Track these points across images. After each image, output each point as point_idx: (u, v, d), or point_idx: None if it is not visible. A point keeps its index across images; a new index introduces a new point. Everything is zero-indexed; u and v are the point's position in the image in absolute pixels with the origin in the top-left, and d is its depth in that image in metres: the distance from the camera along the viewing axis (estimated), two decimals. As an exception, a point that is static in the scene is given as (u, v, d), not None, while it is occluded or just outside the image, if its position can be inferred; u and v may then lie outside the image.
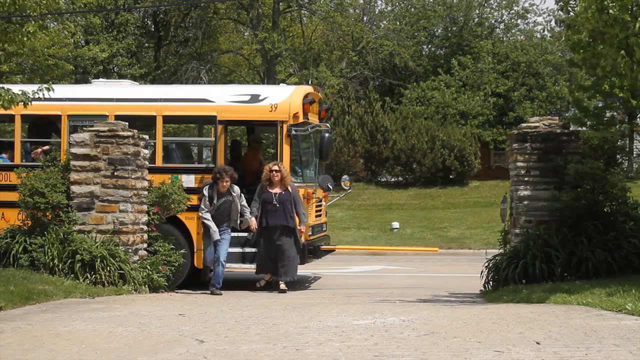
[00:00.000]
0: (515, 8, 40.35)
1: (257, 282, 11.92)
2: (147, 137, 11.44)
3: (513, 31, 40.81)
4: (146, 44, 37.10)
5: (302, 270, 13.24)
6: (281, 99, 12.52)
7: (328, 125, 13.27)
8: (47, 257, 10.05)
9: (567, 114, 34.85)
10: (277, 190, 11.70)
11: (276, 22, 35.34)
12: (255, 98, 12.64)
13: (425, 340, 5.93)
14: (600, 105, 31.48)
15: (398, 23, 39.70)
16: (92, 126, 11.04)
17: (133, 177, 10.69)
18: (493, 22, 40.84)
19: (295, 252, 11.68)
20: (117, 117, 12.38)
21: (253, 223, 11.66)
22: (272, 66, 34.63)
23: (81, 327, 6.87)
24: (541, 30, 40.57)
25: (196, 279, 12.11)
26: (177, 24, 36.50)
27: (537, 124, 10.48)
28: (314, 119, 13.00)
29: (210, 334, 6.39)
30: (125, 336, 6.37)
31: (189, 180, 12.19)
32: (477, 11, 40.10)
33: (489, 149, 36.61)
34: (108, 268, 10.07)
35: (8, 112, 11.89)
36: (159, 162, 12.35)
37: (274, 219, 11.61)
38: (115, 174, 10.55)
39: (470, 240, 20.58)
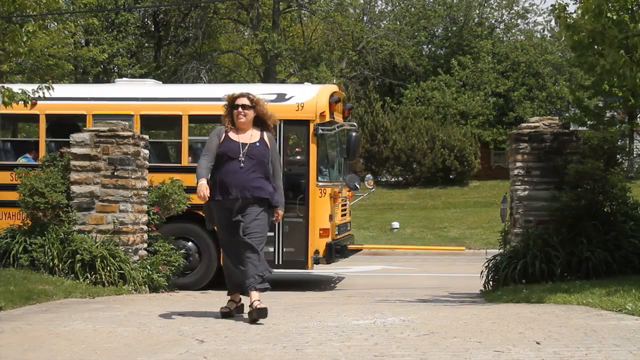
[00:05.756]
0: (515, 8, 40.41)
1: (221, 308, 7.50)
2: (147, 137, 11.44)
3: (513, 31, 40.86)
4: (146, 44, 37.12)
5: (321, 270, 13.13)
6: (308, 98, 12.52)
7: (355, 124, 13.29)
8: (47, 257, 10.05)
9: (567, 114, 34.88)
10: (245, 138, 7.34)
11: (276, 22, 35.35)
12: (281, 97, 12.59)
13: (425, 340, 5.93)
14: (600, 105, 31.51)
15: (398, 23, 39.73)
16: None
17: (133, 177, 10.69)
18: (493, 22, 40.87)
19: (263, 243, 7.34)
20: (142, 117, 12.45)
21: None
22: (272, 66, 34.64)
23: (81, 327, 6.87)
24: (541, 30, 40.67)
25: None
26: (177, 24, 36.53)
27: (537, 124, 10.48)
28: (338, 118, 13.03)
29: (210, 334, 6.39)
30: (125, 336, 6.38)
31: None
32: (477, 11, 40.12)
33: (489, 149, 36.64)
34: (108, 268, 10.06)
35: (33, 111, 12.00)
36: (184, 162, 12.37)
37: (239, 187, 7.18)
38: (115, 174, 10.55)
39: (470, 240, 20.58)
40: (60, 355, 5.62)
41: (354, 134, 12.64)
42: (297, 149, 13.42)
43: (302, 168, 12.51)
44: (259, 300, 7.03)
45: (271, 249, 12.19)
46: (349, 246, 13.11)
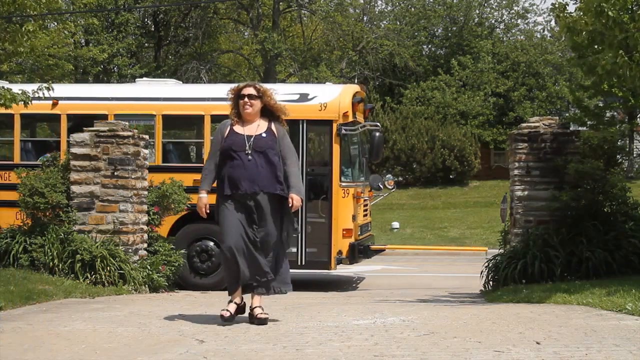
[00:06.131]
0: (515, 8, 40.40)
1: (221, 311, 6.94)
2: (147, 137, 11.44)
3: (513, 31, 40.85)
4: (146, 44, 37.12)
5: (345, 270, 13.09)
6: (330, 98, 12.51)
7: (378, 124, 13.27)
8: (47, 257, 10.05)
9: (567, 114, 34.87)
10: (251, 130, 7.03)
11: (276, 22, 35.35)
12: (304, 97, 12.59)
13: (425, 340, 5.93)
14: (600, 105, 31.50)
15: (398, 23, 39.72)
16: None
17: (133, 177, 10.69)
18: (493, 22, 40.87)
19: (285, 247, 7.15)
20: (165, 117, 12.47)
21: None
22: (272, 66, 34.65)
23: (81, 327, 6.87)
24: (541, 30, 40.63)
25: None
26: (177, 24, 36.52)
27: (537, 124, 10.48)
28: (359, 118, 13.05)
29: (210, 334, 6.39)
30: (125, 336, 6.38)
31: None
32: (477, 11, 40.12)
33: (489, 149, 36.64)
34: (108, 268, 10.07)
35: (54, 111, 12.00)
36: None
37: (248, 181, 6.85)
38: (115, 173, 10.55)
39: (470, 240, 20.58)
40: (60, 355, 5.62)
41: (377, 134, 12.61)
42: (319, 149, 13.37)
43: (325, 168, 12.48)
44: (260, 308, 6.83)
45: (294, 250, 12.21)
46: (372, 246, 13.12)
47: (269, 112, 7.13)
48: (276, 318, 7.15)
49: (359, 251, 12.47)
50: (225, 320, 6.80)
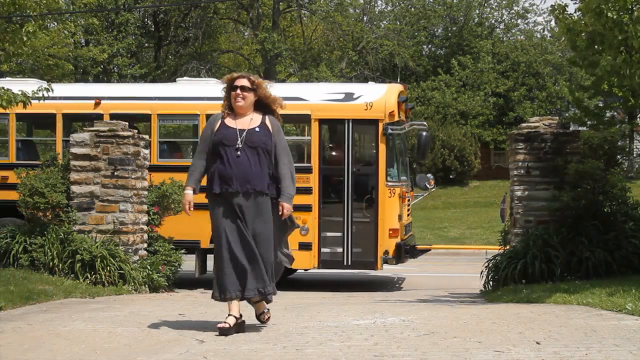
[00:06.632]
0: (515, 8, 40.41)
1: (219, 323, 6.39)
2: (147, 137, 11.44)
3: (513, 31, 40.86)
4: (146, 44, 37.10)
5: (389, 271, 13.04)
6: (376, 97, 12.50)
7: (425, 123, 13.26)
8: (47, 257, 10.05)
9: (567, 114, 34.87)
10: (244, 123, 6.53)
11: (276, 22, 35.34)
12: (349, 96, 12.58)
13: (425, 340, 5.93)
14: (600, 105, 31.50)
15: (398, 23, 39.72)
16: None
17: (133, 177, 10.69)
18: (493, 22, 40.87)
19: (274, 247, 6.57)
20: (209, 117, 12.43)
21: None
22: (272, 66, 34.63)
23: (81, 327, 6.87)
24: (541, 30, 40.66)
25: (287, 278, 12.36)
26: (177, 24, 36.51)
27: (537, 124, 10.49)
28: (402, 117, 12.98)
29: (210, 334, 6.38)
30: (125, 336, 6.38)
31: None
32: (477, 11, 40.13)
33: (489, 149, 36.64)
34: (108, 268, 10.07)
35: (97, 110, 12.03)
36: None
37: (239, 179, 6.37)
38: (115, 174, 10.55)
39: (470, 240, 20.58)
40: (60, 355, 5.62)
41: (424, 133, 12.60)
42: (365, 149, 13.34)
43: (370, 168, 12.48)
44: (263, 313, 6.67)
45: (340, 250, 12.18)
46: (418, 246, 13.09)
47: (264, 105, 6.60)
48: (276, 318, 7.15)
49: (405, 251, 12.45)
50: (222, 333, 6.24)
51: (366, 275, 14.54)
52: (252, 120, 6.52)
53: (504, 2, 40.11)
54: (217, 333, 6.26)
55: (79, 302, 8.78)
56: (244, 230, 6.33)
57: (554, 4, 9.45)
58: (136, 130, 11.16)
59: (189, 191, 6.50)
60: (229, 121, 6.52)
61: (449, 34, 39.86)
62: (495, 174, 34.24)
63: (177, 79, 15.74)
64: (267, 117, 6.57)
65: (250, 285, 6.31)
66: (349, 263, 12.31)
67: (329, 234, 12.26)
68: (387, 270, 15.77)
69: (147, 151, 11.29)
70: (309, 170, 12.40)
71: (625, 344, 5.58)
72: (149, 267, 10.68)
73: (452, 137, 31.41)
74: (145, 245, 11.08)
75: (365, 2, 39.47)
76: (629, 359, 5.12)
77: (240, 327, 6.41)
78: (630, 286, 8.10)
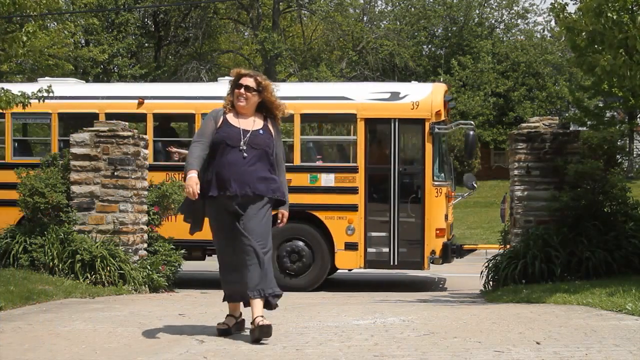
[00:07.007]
0: (515, 8, 40.44)
1: (218, 324, 6.36)
2: (147, 137, 11.44)
3: (513, 31, 40.88)
4: (146, 44, 37.12)
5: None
6: (422, 96, 12.46)
7: (472, 122, 13.24)
8: (47, 257, 10.05)
9: (567, 114, 34.89)
10: (247, 124, 6.24)
11: (276, 22, 35.36)
12: (395, 96, 12.54)
13: (425, 340, 5.93)
14: (600, 105, 31.52)
15: (398, 23, 39.74)
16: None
17: (133, 177, 10.69)
18: (493, 22, 40.89)
19: (268, 249, 6.16)
20: None
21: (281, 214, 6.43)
22: (272, 66, 34.64)
23: (81, 327, 6.87)
24: (541, 30, 40.68)
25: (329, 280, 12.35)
26: (177, 24, 36.53)
27: (537, 124, 10.49)
28: (446, 117, 12.99)
29: (210, 334, 6.38)
30: (125, 336, 6.37)
31: (328, 180, 12.24)
32: (477, 11, 40.15)
33: (489, 149, 36.65)
34: (108, 268, 10.06)
35: (140, 110, 12.07)
36: (297, 161, 12.38)
37: (239, 182, 6.05)
38: (116, 174, 10.55)
39: (470, 240, 20.56)
40: (60, 355, 5.62)
41: (471, 132, 12.56)
42: (411, 148, 13.28)
43: (417, 167, 12.42)
44: (262, 317, 5.95)
45: (386, 249, 12.18)
46: (465, 246, 13.07)
47: (267, 108, 6.31)
48: (276, 318, 7.15)
49: (452, 251, 12.41)
50: (221, 333, 6.16)
51: (405, 275, 14.43)
52: (255, 122, 6.23)
53: (504, 2, 40.13)
54: (217, 334, 6.25)
55: (79, 302, 8.78)
56: (243, 233, 6.00)
57: (553, 3, 9.44)
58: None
59: (192, 174, 5.94)
60: (232, 119, 6.20)
61: (449, 34, 39.87)
62: (495, 174, 34.24)
63: (218, 79, 15.75)
64: (269, 120, 6.32)
65: (251, 285, 5.99)
66: (395, 263, 12.26)
67: (374, 233, 12.22)
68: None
69: (147, 151, 11.29)
70: (354, 170, 12.35)
71: (625, 344, 5.58)
72: (149, 267, 10.68)
73: (452, 137, 31.38)
74: (145, 245, 11.07)
75: (365, 2, 39.49)
76: (629, 359, 5.12)
77: (240, 326, 6.36)
78: (630, 286, 8.10)
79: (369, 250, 12.26)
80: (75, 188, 10.57)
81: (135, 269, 10.41)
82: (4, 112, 12.24)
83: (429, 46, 41.38)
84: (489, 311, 7.76)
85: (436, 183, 12.30)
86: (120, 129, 10.68)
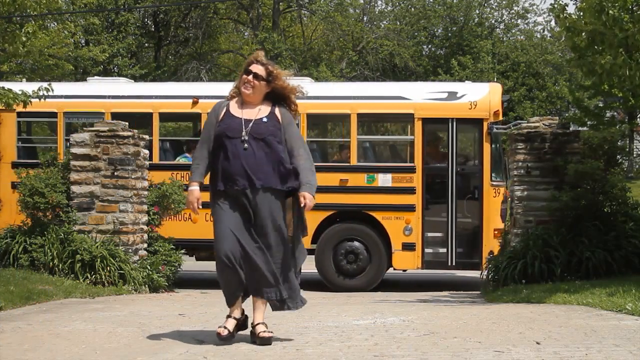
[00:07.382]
0: (515, 8, 40.40)
1: (218, 328, 5.93)
2: (147, 137, 11.44)
3: (513, 31, 40.84)
4: (146, 44, 37.10)
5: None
6: (480, 96, 12.45)
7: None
8: (47, 257, 10.05)
9: (567, 114, 34.85)
10: (251, 113, 5.89)
11: (276, 22, 35.35)
12: (452, 95, 12.53)
13: (425, 340, 5.93)
14: (600, 105, 31.50)
15: (398, 23, 39.71)
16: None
17: (133, 177, 10.69)
18: (493, 22, 40.86)
19: (292, 254, 5.91)
20: (309, 115, 12.37)
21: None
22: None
23: (81, 327, 6.87)
24: (541, 30, 40.63)
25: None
26: (177, 24, 36.50)
27: (537, 124, 10.49)
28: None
29: (211, 333, 6.38)
30: (125, 336, 6.37)
31: (385, 180, 12.23)
32: (477, 11, 40.12)
33: (489, 149, 36.52)
34: (108, 268, 10.07)
35: (194, 110, 12.47)
36: (353, 161, 12.35)
37: (245, 174, 5.73)
38: (116, 174, 10.55)
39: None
40: (60, 355, 5.62)
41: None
42: (469, 148, 13.26)
43: (475, 167, 12.41)
44: (264, 324, 5.77)
45: (443, 250, 12.17)
46: None
47: (280, 95, 5.94)
48: (276, 318, 7.14)
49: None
50: (222, 339, 5.78)
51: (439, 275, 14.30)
52: (260, 111, 5.86)
53: (504, 2, 40.11)
54: (218, 340, 5.87)
55: (79, 302, 8.78)
56: (250, 232, 5.72)
57: (553, 2, 9.44)
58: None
59: (194, 187, 5.79)
60: (234, 109, 5.88)
61: (449, 34, 39.85)
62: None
63: None
64: (277, 107, 5.92)
65: (258, 287, 5.78)
66: (453, 264, 12.24)
67: (432, 234, 12.22)
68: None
69: (147, 151, 11.29)
70: (412, 170, 12.34)
71: (625, 344, 5.58)
72: (149, 267, 10.68)
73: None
74: (145, 245, 11.08)
75: (365, 2, 39.47)
76: (629, 359, 5.12)
77: (241, 326, 6.04)
78: (630, 286, 8.10)
79: (427, 250, 12.25)
80: (75, 188, 10.57)
81: (135, 269, 10.41)
82: (57, 112, 12.41)
83: (429, 46, 41.35)
84: (489, 311, 7.76)
85: (494, 183, 12.28)
86: (120, 129, 10.68)
